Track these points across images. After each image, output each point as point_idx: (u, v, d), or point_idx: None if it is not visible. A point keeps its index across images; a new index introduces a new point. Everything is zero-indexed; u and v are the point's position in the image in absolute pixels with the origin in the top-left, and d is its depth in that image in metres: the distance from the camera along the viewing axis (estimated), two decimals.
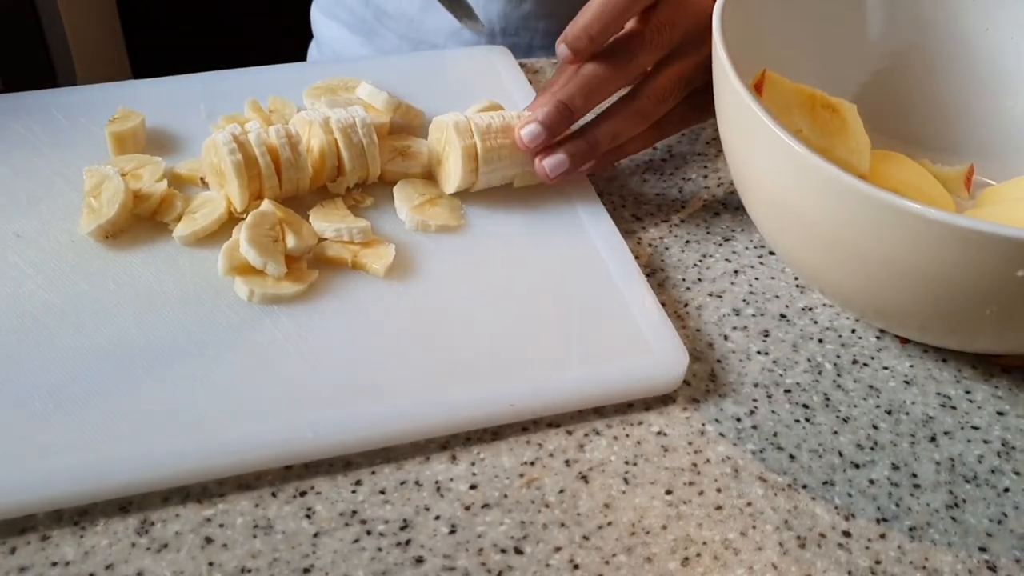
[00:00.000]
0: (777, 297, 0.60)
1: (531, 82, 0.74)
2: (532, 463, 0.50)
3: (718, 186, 0.68)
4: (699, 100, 0.64)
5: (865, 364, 0.56)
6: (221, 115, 0.67)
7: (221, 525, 0.46)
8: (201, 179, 0.62)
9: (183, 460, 0.47)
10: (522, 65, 0.77)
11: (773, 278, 0.61)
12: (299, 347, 0.53)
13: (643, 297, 0.57)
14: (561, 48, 0.60)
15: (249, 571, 0.44)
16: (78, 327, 0.53)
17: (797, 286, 0.61)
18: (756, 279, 0.61)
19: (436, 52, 0.77)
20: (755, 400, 0.54)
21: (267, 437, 0.48)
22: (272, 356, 0.52)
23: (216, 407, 0.49)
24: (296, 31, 1.12)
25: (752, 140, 0.53)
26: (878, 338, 0.58)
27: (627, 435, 0.51)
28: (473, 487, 0.49)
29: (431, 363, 0.53)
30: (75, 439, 0.47)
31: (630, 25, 0.61)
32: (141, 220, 0.59)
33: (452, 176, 0.61)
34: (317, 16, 1.05)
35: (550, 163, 0.61)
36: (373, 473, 0.49)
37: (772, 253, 0.63)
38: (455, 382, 0.52)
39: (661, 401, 0.53)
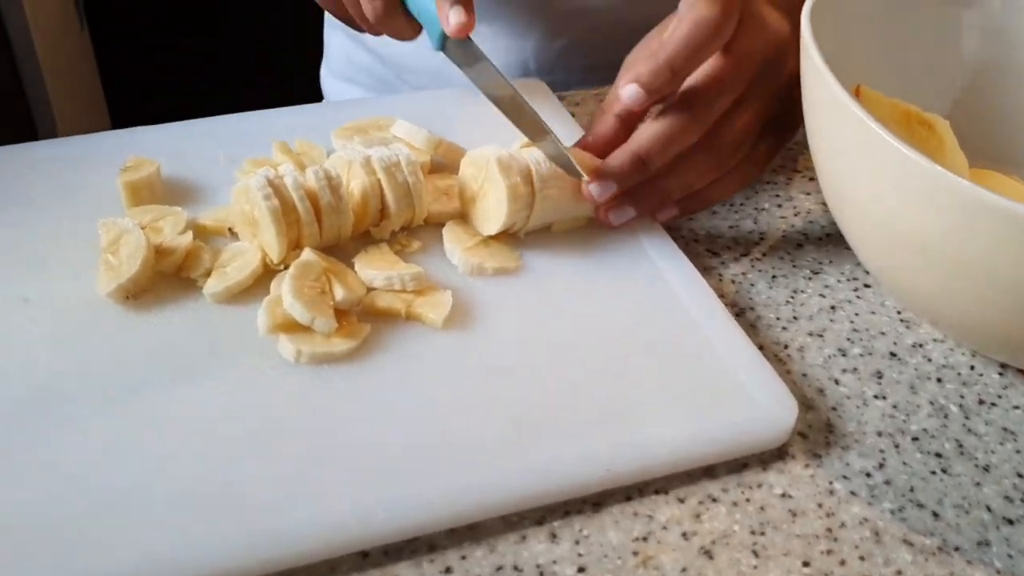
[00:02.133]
0: (883, 333, 0.54)
1: (573, 115, 0.68)
2: (644, 538, 0.43)
3: (795, 215, 0.62)
4: (776, 130, 0.58)
5: (993, 404, 0.50)
6: (244, 159, 0.60)
7: None
8: (229, 230, 0.56)
9: (234, 551, 0.40)
10: (561, 98, 0.71)
11: (874, 312, 0.55)
12: (357, 412, 0.46)
13: (734, 339, 0.51)
14: (631, 89, 0.54)
15: None
16: (105, 402, 0.46)
17: (901, 320, 0.54)
18: (856, 315, 0.55)
19: (467, 89, 0.70)
20: (882, 451, 0.47)
21: (332, 520, 0.41)
22: (328, 424, 0.45)
23: (269, 487, 0.42)
24: (305, 94, 1.05)
25: (857, 155, 0.47)
26: (1000, 374, 0.52)
27: (747, 499, 0.45)
28: (581, 570, 0.41)
29: (507, 423, 0.46)
30: (114, 534, 0.40)
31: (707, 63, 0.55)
32: (165, 277, 0.52)
33: (492, 216, 0.55)
34: (328, 79, 0.98)
35: (615, 215, 0.56)
36: (463, 558, 0.42)
37: (868, 285, 0.57)
38: (538, 445, 0.45)
39: (778, 458, 0.46)
